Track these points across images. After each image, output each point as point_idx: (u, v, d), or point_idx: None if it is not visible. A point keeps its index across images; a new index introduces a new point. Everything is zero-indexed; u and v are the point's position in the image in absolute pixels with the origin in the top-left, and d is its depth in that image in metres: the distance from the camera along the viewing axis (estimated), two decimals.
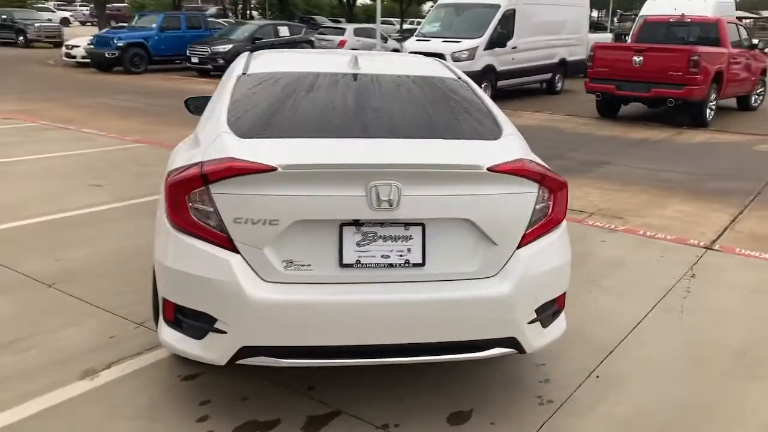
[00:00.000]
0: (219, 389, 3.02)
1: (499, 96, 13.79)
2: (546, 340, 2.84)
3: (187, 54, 19.51)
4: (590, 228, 5.62)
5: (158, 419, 2.79)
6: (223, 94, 3.15)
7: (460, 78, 3.55)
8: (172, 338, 2.66)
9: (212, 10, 42.21)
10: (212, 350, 2.56)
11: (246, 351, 2.53)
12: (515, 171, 2.65)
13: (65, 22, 41.88)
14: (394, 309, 2.54)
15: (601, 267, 4.68)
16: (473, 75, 10.17)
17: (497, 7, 14.31)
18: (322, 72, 3.36)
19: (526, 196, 2.68)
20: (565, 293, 2.93)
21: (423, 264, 2.61)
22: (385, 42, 22.12)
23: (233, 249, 2.52)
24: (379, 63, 3.73)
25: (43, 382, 3.04)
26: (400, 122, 2.99)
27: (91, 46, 19.93)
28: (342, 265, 2.57)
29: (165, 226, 2.64)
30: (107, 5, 33.16)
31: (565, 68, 16.73)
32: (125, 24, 25.34)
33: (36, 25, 28.78)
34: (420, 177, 2.54)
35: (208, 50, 19.06)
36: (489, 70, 14.07)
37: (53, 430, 2.70)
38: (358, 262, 2.58)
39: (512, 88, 15.24)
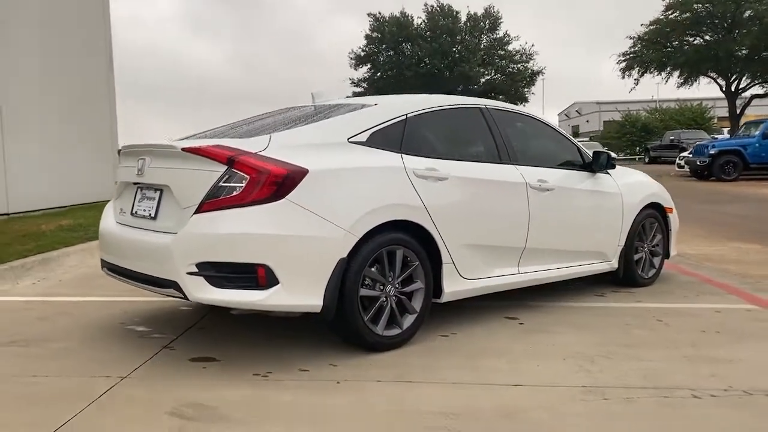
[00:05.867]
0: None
1: None
2: (215, 296, 3.23)
3: None
4: None
5: None
6: None
7: (362, 105, 4.02)
8: None
9: None
10: None
11: (102, 261, 4.04)
12: (198, 151, 3.38)
13: None
14: (133, 245, 3.65)
15: None
16: None
17: None
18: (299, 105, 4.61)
19: (208, 173, 3.31)
20: (267, 270, 3.16)
21: (155, 218, 3.62)
22: None
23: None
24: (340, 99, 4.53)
25: None
26: (236, 130, 3.99)
27: (690, 155, 21.60)
28: (131, 213, 3.82)
29: None
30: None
31: None
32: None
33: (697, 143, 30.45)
34: (154, 154, 3.67)
35: None
36: None
37: None
38: (135, 212, 3.79)
39: None
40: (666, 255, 5.65)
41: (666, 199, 5.64)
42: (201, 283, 3.24)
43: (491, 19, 45.86)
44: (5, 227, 8.15)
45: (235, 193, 3.25)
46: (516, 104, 34.69)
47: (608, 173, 5.14)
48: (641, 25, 35.23)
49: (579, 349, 3.70)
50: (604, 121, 66.35)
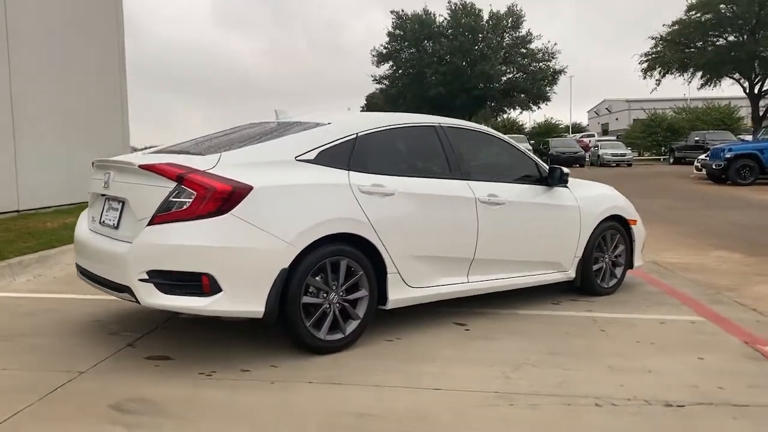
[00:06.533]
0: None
1: None
2: (163, 302, 3.55)
3: None
4: None
5: None
6: None
7: (316, 124, 4.29)
8: None
9: None
10: None
11: (76, 265, 4.31)
12: (151, 169, 3.71)
13: None
14: (99, 252, 3.96)
15: None
16: None
17: None
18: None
19: (159, 189, 3.63)
20: (210, 278, 3.47)
21: (117, 228, 3.93)
22: None
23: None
24: (305, 115, 4.74)
25: None
26: (198, 145, 4.27)
27: (706, 159, 21.09)
28: (99, 222, 4.13)
29: None
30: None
31: None
32: None
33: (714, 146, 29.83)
34: (117, 169, 4.03)
35: None
36: None
37: None
38: (103, 221, 4.10)
39: None
40: (629, 265, 5.83)
41: (629, 212, 5.81)
42: (151, 289, 3.56)
43: (514, 17, 45.86)
44: (12, 224, 8.62)
45: (184, 208, 3.56)
46: (537, 102, 35.05)
47: (567, 187, 5.35)
48: (663, 25, 34.97)
49: (510, 356, 3.94)
50: (633, 120, 65.77)
